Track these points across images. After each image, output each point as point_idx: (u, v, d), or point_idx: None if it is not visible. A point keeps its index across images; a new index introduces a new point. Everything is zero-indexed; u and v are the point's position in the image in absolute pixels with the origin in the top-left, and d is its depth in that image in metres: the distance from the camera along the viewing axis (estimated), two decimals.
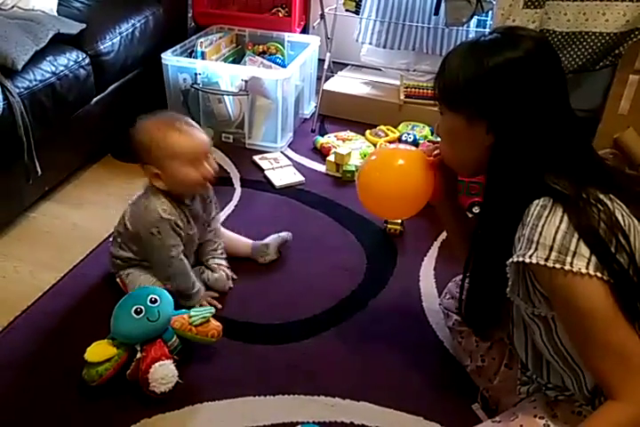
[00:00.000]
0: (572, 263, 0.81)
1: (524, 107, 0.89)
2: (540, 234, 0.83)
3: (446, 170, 1.10)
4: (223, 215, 1.80)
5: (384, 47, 2.39)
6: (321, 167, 2.11)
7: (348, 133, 2.27)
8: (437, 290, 1.56)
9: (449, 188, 1.16)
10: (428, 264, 1.67)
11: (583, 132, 0.96)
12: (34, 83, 1.56)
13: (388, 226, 1.77)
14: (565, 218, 0.83)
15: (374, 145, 2.20)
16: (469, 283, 1.06)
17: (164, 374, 1.17)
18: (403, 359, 1.37)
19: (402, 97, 2.34)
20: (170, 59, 2.10)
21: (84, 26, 1.80)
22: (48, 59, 1.64)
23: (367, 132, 2.27)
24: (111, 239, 1.51)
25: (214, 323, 1.28)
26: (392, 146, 1.24)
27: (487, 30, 2.30)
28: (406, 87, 2.39)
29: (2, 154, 1.51)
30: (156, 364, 1.17)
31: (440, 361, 1.37)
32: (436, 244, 1.76)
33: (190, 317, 1.26)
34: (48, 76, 1.61)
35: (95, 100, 1.89)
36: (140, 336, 1.21)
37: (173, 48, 2.15)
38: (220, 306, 1.45)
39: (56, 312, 1.44)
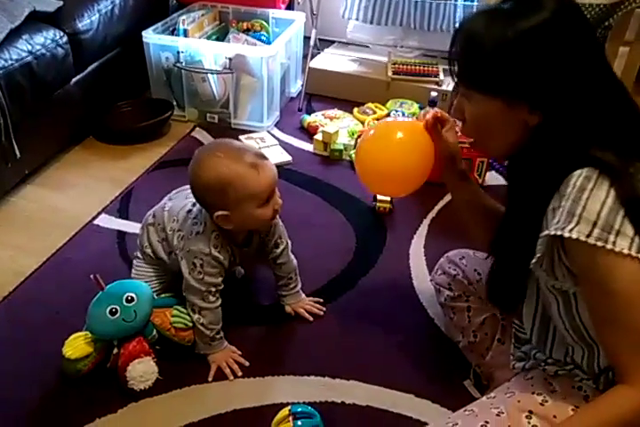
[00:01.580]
0: (614, 242, 0.75)
1: (568, 74, 0.81)
2: (584, 208, 0.77)
3: (442, 135, 1.05)
4: None
5: (371, 23, 2.35)
6: (308, 146, 2.08)
7: (335, 112, 2.23)
8: (428, 268, 1.55)
9: (450, 153, 1.08)
10: (418, 242, 1.66)
11: (628, 96, 0.87)
12: (9, 62, 1.51)
13: (377, 204, 1.75)
14: (612, 192, 0.76)
15: (362, 123, 2.16)
16: (495, 255, 1.00)
17: (142, 371, 1.14)
18: (393, 338, 1.36)
19: (390, 74, 2.30)
20: (151, 37, 2.05)
21: (61, 3, 1.75)
22: (24, 37, 1.59)
23: (355, 109, 2.23)
24: (151, 213, 1.35)
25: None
26: (389, 119, 1.14)
27: (475, 3, 2.26)
28: (394, 64, 2.35)
29: None
30: (135, 361, 1.14)
31: (431, 339, 1.36)
32: (426, 221, 1.74)
33: (172, 315, 1.21)
34: (24, 55, 1.56)
35: (75, 80, 1.84)
36: (116, 335, 1.17)
37: (155, 26, 2.09)
38: (239, 373, 1.25)
39: (38, 298, 1.41)
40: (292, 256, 1.40)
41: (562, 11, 0.82)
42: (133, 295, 1.18)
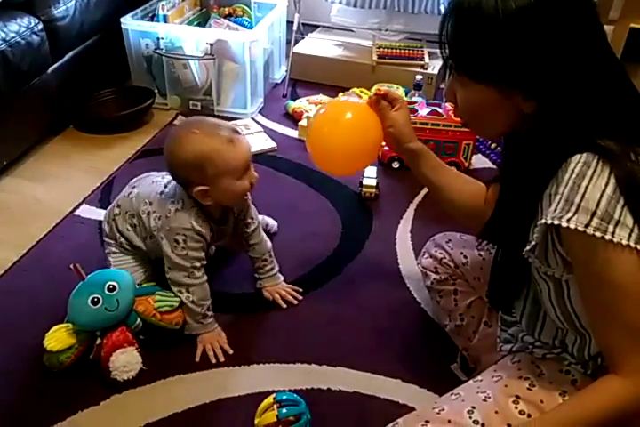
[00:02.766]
0: (613, 233, 0.73)
1: (565, 58, 0.76)
2: (583, 196, 0.73)
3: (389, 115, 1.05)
4: None
5: (354, 6, 2.30)
6: (293, 133, 2.05)
7: (320, 97, 2.20)
8: (414, 252, 1.53)
9: (394, 132, 1.07)
10: (404, 227, 1.64)
11: (628, 79, 0.82)
12: None
13: (363, 190, 1.73)
14: (612, 180, 0.73)
15: None
16: (488, 241, 0.99)
17: (126, 361, 1.13)
18: (379, 323, 1.35)
19: (375, 58, 2.27)
20: (130, 23, 2.00)
21: None
22: None
23: (340, 95, 2.20)
24: (114, 205, 1.35)
25: (180, 310, 1.22)
26: (342, 99, 1.16)
27: None
28: (379, 47, 2.32)
29: None
30: (118, 351, 1.12)
31: (418, 323, 1.35)
32: (412, 206, 1.72)
33: (155, 301, 1.19)
34: None
35: (52, 68, 1.80)
36: (98, 325, 1.15)
37: (133, 12, 2.05)
38: (222, 359, 1.24)
39: (18, 290, 1.39)
40: (266, 237, 1.41)
41: None
42: (115, 284, 1.16)
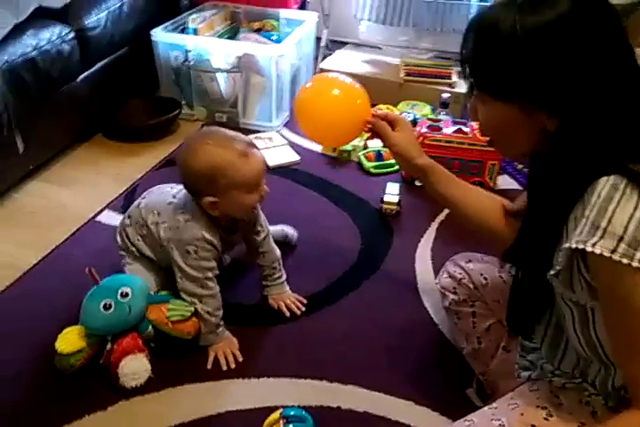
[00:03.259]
0: None
1: (589, 76, 0.73)
2: (610, 221, 0.70)
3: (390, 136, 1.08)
4: None
5: (383, 23, 2.32)
6: (317, 147, 2.04)
7: None
8: (434, 272, 1.50)
9: (396, 152, 1.10)
10: (425, 245, 1.61)
11: None
12: (13, 57, 1.50)
13: (384, 206, 1.71)
14: None
15: None
16: (512, 264, 0.97)
17: (135, 368, 1.12)
18: (395, 342, 1.31)
19: (402, 75, 2.26)
20: (159, 35, 2.04)
21: (68, 0, 1.74)
22: (29, 33, 1.59)
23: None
24: (125, 215, 1.36)
25: (193, 320, 1.20)
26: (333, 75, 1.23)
27: (490, 3, 2.21)
28: (406, 65, 2.32)
29: None
30: (127, 357, 1.12)
31: (434, 344, 1.32)
32: (434, 224, 1.69)
33: (168, 310, 1.18)
34: (29, 50, 1.55)
35: (82, 76, 1.84)
36: (110, 331, 1.15)
37: (164, 24, 2.09)
38: (233, 366, 1.24)
39: (35, 293, 1.40)
40: (275, 246, 1.40)
41: (582, 3, 0.73)
42: (128, 290, 1.16)
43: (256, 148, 1.20)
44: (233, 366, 1.23)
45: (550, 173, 0.82)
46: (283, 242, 1.54)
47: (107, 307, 1.13)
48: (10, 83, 1.47)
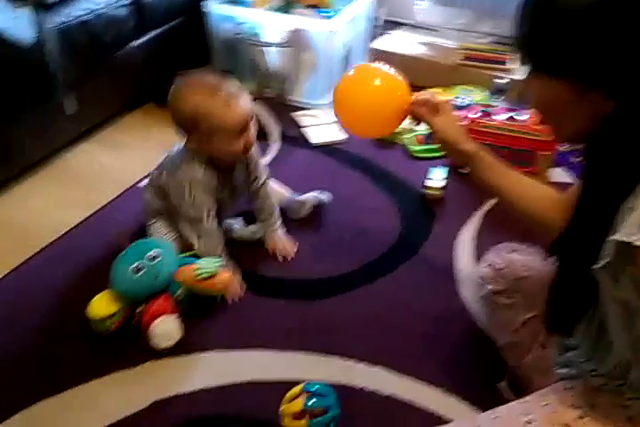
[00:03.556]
0: None
1: None
2: None
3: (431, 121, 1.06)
4: None
5: (442, 5, 2.23)
6: None
7: None
8: (474, 260, 1.45)
9: (438, 138, 1.08)
10: (467, 233, 1.56)
11: None
12: (69, 18, 1.51)
13: (427, 191, 1.67)
14: None
15: None
16: (557, 256, 0.92)
17: (166, 329, 1.13)
18: (427, 328, 1.28)
19: (457, 59, 2.19)
20: (212, 6, 2.02)
21: None
22: None
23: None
24: (146, 183, 1.46)
25: (223, 275, 1.20)
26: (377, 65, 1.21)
27: None
28: (463, 49, 2.24)
29: (34, 89, 1.49)
30: (158, 319, 1.13)
31: (468, 334, 1.28)
32: (479, 213, 1.64)
33: (196, 269, 1.18)
34: (85, 12, 1.56)
35: (136, 43, 1.84)
36: (140, 293, 1.16)
37: None
38: (239, 298, 1.31)
39: (77, 251, 1.42)
40: (273, 198, 1.47)
41: None
42: (157, 253, 1.17)
43: (242, 95, 1.22)
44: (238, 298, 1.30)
45: (604, 161, 0.77)
46: (320, 206, 1.57)
47: (137, 270, 1.14)
48: (64, 45, 1.49)
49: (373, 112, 1.12)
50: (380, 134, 1.35)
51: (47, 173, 1.71)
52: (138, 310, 1.15)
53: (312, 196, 1.56)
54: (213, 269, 1.18)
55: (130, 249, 1.19)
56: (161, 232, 1.38)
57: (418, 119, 1.11)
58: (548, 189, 1.07)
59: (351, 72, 1.18)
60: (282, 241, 1.45)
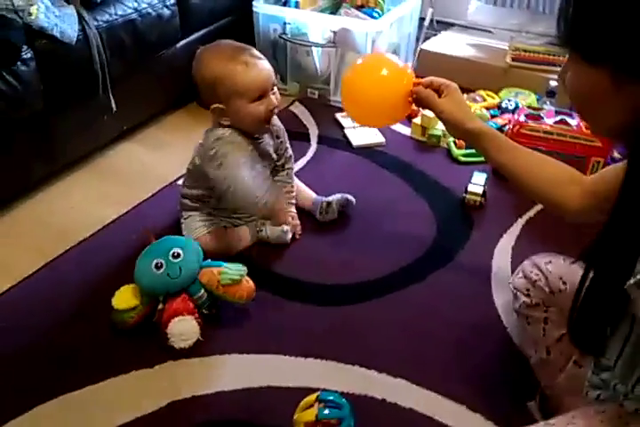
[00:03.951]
0: None
1: None
2: None
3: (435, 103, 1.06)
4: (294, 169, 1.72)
5: (495, 4, 2.16)
6: (406, 130, 1.96)
7: None
8: (511, 270, 1.38)
9: (443, 119, 1.07)
10: (507, 242, 1.49)
11: None
12: (114, 17, 1.54)
13: (468, 196, 1.60)
14: None
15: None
16: (589, 266, 0.87)
17: (183, 329, 1.12)
18: (456, 341, 1.22)
19: (508, 60, 2.11)
20: (261, 6, 2.03)
21: None
22: None
23: (464, 96, 2.07)
24: (181, 181, 1.48)
25: (245, 284, 1.18)
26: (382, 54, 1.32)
27: None
28: (515, 50, 2.15)
29: (78, 86, 1.52)
30: (176, 319, 1.12)
31: (499, 348, 1.21)
32: (520, 221, 1.56)
33: (220, 273, 1.17)
34: (129, 11, 1.59)
35: (181, 43, 1.86)
36: (160, 290, 1.16)
37: None
38: (296, 229, 1.44)
39: (112, 246, 1.44)
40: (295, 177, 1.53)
41: None
42: (180, 251, 1.16)
43: (262, 59, 1.26)
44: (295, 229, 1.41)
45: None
46: (346, 207, 1.55)
47: (158, 266, 1.14)
48: (108, 43, 1.52)
49: (377, 103, 1.12)
50: (389, 123, 1.38)
51: (89, 170, 1.75)
52: (159, 308, 1.15)
53: (338, 196, 1.53)
54: (237, 276, 1.17)
55: (154, 245, 1.19)
56: (193, 226, 1.39)
57: (421, 103, 1.10)
58: (568, 171, 1.03)
59: (357, 62, 1.20)
60: (295, 218, 1.49)
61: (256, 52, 1.28)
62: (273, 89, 1.29)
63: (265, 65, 1.26)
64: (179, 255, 1.16)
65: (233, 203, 1.33)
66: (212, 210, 1.41)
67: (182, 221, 1.42)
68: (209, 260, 1.23)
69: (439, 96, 1.08)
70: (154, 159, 1.81)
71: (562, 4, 0.72)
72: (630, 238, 0.72)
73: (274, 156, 1.42)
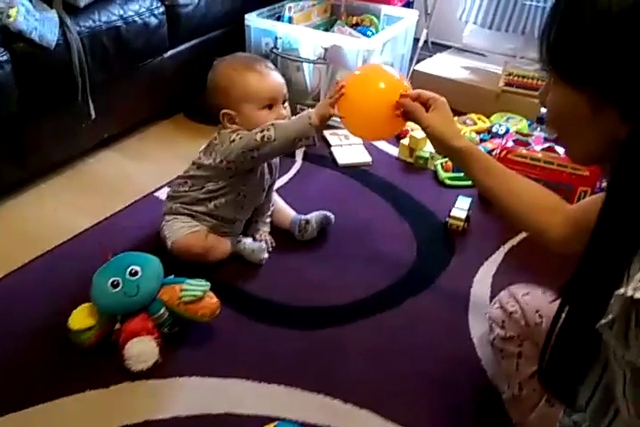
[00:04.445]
0: None
1: None
2: None
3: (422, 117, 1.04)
4: (276, 185, 1.68)
5: (490, 28, 2.15)
6: (394, 150, 1.93)
7: None
8: (490, 300, 1.33)
9: (429, 134, 1.05)
10: (488, 270, 1.45)
11: None
12: (97, 23, 1.51)
13: (450, 221, 1.56)
14: None
15: None
16: (565, 303, 0.82)
17: (141, 351, 1.06)
18: (428, 372, 1.17)
19: (501, 84, 2.09)
20: (253, 20, 2.01)
21: None
22: (118, 1, 1.59)
23: (455, 119, 2.04)
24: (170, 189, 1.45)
25: (209, 300, 1.13)
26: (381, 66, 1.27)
27: None
28: (508, 74, 2.13)
29: (56, 92, 1.49)
30: (134, 339, 1.07)
31: (472, 382, 1.16)
32: (504, 248, 1.52)
33: (181, 290, 1.12)
34: (114, 18, 1.56)
35: (170, 53, 1.84)
36: (117, 310, 1.11)
37: (260, 10, 2.05)
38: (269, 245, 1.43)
39: (80, 257, 1.39)
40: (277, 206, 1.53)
41: None
42: (138, 269, 1.11)
43: (275, 71, 1.30)
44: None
45: (620, 197, 0.66)
46: (325, 224, 1.51)
47: (114, 284, 1.09)
48: (90, 49, 1.49)
49: (367, 112, 1.12)
50: (381, 135, 1.35)
51: (65, 177, 1.70)
52: (116, 328, 1.10)
53: (317, 213, 1.50)
54: (199, 292, 1.11)
55: (111, 262, 1.14)
56: (176, 226, 1.34)
57: (408, 117, 1.07)
58: (546, 194, 1.01)
59: (355, 73, 1.22)
60: (268, 236, 1.48)
61: (270, 64, 1.32)
62: (284, 102, 1.32)
63: (278, 76, 1.30)
64: (137, 273, 1.10)
65: (280, 143, 1.23)
66: (203, 215, 1.36)
67: (164, 223, 1.37)
68: (171, 276, 1.18)
69: (427, 110, 1.06)
70: (134, 169, 1.78)
71: (544, 24, 0.69)
72: (604, 274, 0.67)
73: (273, 169, 1.43)
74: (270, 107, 1.28)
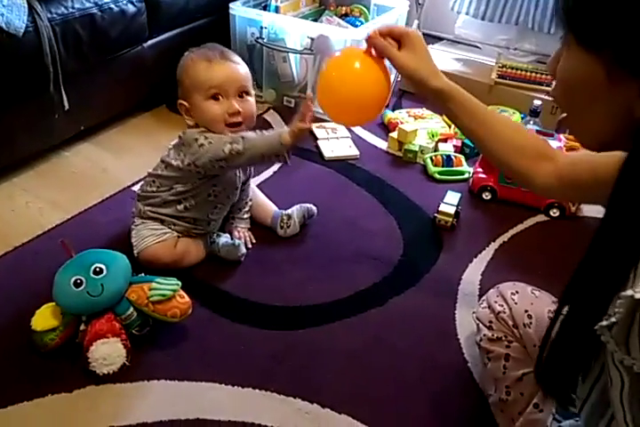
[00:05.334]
0: None
1: None
2: None
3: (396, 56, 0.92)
4: (258, 180, 1.62)
5: (482, 19, 2.09)
6: (383, 144, 1.87)
7: (422, 111, 2.00)
8: (478, 298, 1.28)
9: (404, 74, 0.94)
10: (476, 268, 1.39)
11: None
12: (70, 10, 1.44)
13: (438, 216, 1.50)
14: None
15: (449, 126, 1.91)
16: (566, 305, 0.77)
17: (106, 353, 1.00)
18: (411, 375, 1.12)
19: (494, 77, 2.03)
20: (238, 8, 1.94)
21: None
22: None
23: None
24: (139, 187, 1.38)
25: (179, 300, 1.07)
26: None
27: None
28: (501, 66, 2.08)
29: (26, 81, 1.42)
30: (99, 341, 1.00)
31: (458, 384, 1.11)
32: (493, 246, 1.46)
33: (150, 289, 1.06)
34: (89, 5, 1.49)
35: (149, 43, 1.77)
36: (81, 310, 1.05)
37: None
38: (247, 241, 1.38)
39: (50, 253, 1.32)
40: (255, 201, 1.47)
41: None
42: (103, 267, 1.04)
43: (233, 61, 1.23)
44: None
45: (630, 189, 0.60)
46: (308, 218, 1.46)
47: (77, 283, 1.02)
48: (62, 37, 1.42)
49: (349, 93, 0.99)
50: (369, 116, 1.15)
51: (39, 171, 1.64)
52: (81, 328, 1.04)
53: (298, 207, 1.45)
54: (167, 291, 1.05)
55: (73, 260, 1.07)
56: (143, 235, 1.28)
57: (379, 56, 0.95)
58: (531, 139, 0.96)
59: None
60: (247, 232, 1.43)
61: (232, 56, 1.25)
62: (242, 95, 1.23)
63: (233, 67, 1.23)
64: (101, 271, 1.04)
65: (250, 155, 1.19)
66: (172, 218, 1.30)
67: (133, 227, 1.32)
68: (142, 274, 1.12)
69: (399, 48, 0.94)
70: (111, 163, 1.71)
71: None
72: (608, 274, 0.62)
73: (247, 167, 1.36)
74: (216, 98, 1.20)
